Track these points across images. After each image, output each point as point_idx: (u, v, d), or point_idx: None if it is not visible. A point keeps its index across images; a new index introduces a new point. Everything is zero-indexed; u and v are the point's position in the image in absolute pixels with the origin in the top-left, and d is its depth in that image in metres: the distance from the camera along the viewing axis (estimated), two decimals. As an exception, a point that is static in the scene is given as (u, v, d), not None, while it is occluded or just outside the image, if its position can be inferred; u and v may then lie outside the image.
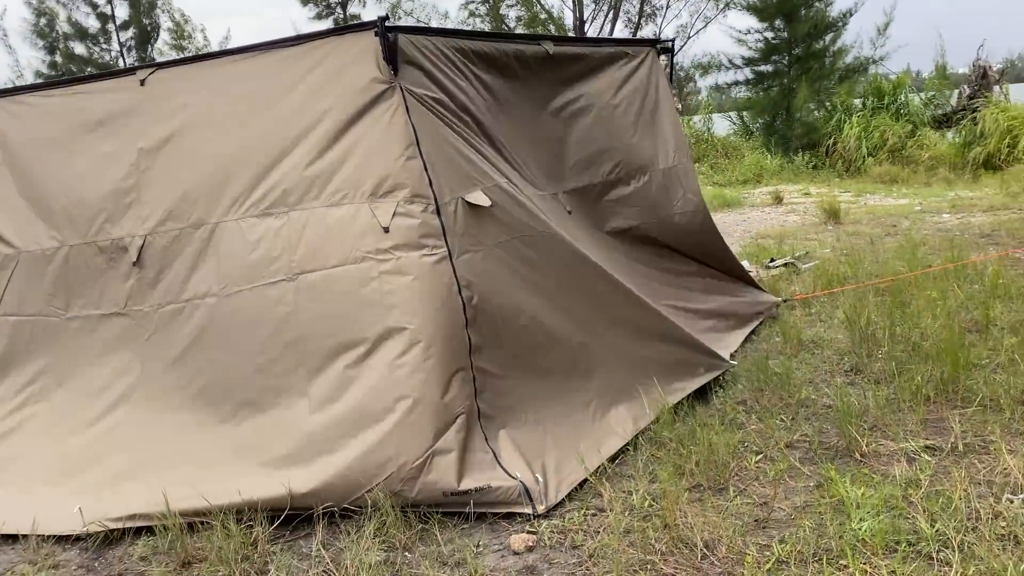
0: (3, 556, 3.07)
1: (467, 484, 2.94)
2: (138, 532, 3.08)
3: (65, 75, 21.11)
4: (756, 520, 2.83)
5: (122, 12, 24.96)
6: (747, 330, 4.77)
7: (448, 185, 3.24)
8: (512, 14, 24.12)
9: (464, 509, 2.94)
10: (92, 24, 26.58)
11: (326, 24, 24.00)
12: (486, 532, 2.92)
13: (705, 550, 2.63)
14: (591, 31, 23.00)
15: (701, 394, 3.97)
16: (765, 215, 10.61)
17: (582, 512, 2.98)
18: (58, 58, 23.83)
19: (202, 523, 2.96)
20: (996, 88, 15.48)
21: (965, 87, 16.39)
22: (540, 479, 3.01)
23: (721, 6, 21.99)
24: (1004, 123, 13.71)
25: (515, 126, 3.96)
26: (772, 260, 6.91)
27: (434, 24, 23.58)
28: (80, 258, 3.67)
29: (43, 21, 23.20)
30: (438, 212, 3.14)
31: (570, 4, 22.68)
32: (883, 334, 4.46)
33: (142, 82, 3.62)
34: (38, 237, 3.77)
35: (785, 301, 5.51)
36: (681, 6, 27.76)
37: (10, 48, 23.37)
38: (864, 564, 2.46)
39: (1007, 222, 8.18)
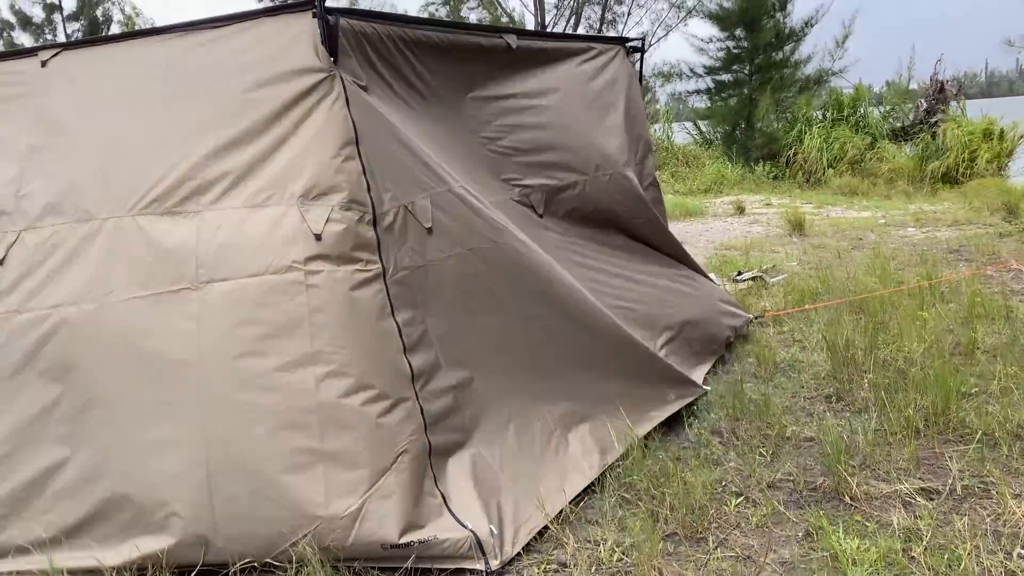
0: None
1: (410, 536, 2.52)
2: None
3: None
4: (741, 579, 2.48)
5: (70, 3, 24.07)
6: (719, 352, 4.44)
7: (390, 191, 2.83)
8: (473, 17, 23.73)
9: (405, 564, 2.53)
10: (37, 14, 25.58)
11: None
12: (431, 592, 2.52)
13: (685, 619, 2.26)
14: (552, 36, 22.65)
15: (672, 422, 3.62)
16: (728, 225, 10.37)
17: (542, 568, 2.59)
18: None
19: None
20: (953, 103, 15.54)
21: (922, 101, 16.44)
22: (495, 529, 2.61)
23: (683, 14, 21.87)
24: (963, 138, 13.75)
25: (470, 124, 3.58)
26: (740, 273, 6.62)
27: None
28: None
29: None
30: (374, 223, 2.73)
31: (531, 8, 22.37)
32: (864, 357, 4.16)
33: (43, 63, 3.15)
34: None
35: (757, 318, 5.20)
36: (642, 13, 27.61)
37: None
38: (869, 639, 2.12)
39: (973, 237, 8.02)
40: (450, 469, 2.77)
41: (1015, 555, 2.49)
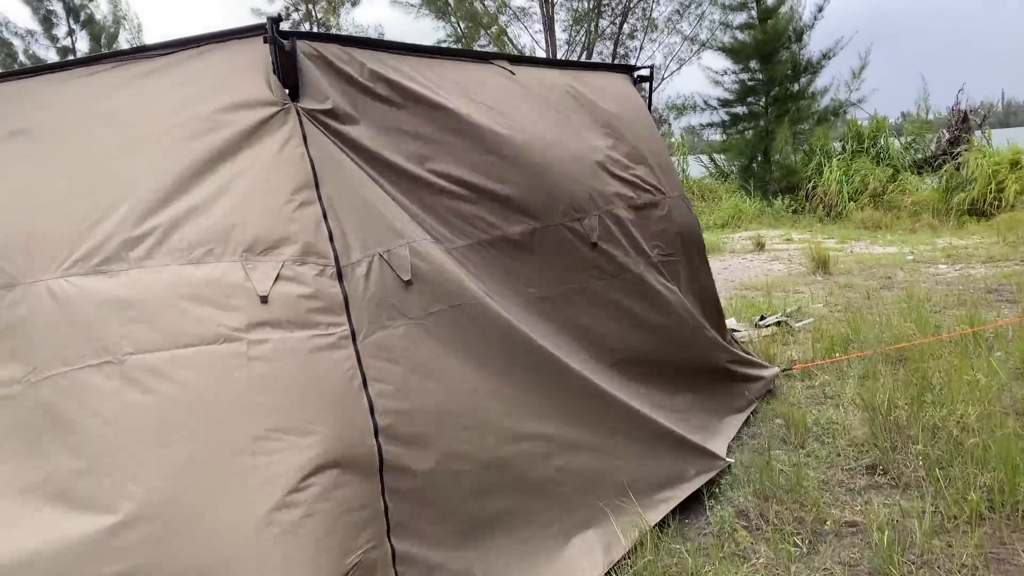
0: None
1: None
2: None
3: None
4: None
5: (83, 46, 24.22)
6: (745, 414, 3.95)
7: (360, 239, 2.40)
8: (484, 53, 23.59)
9: None
10: (52, 57, 25.80)
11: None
12: None
13: None
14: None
15: (691, 499, 3.13)
16: (747, 262, 9.90)
17: None
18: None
19: None
20: (978, 132, 15.06)
21: (944, 131, 15.97)
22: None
23: (696, 48, 21.60)
24: (989, 168, 13.23)
25: (461, 156, 3.15)
26: (763, 318, 6.14)
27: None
28: None
29: (1, 53, 22.36)
30: (339, 276, 2.30)
31: (543, 45, 22.19)
32: (908, 419, 3.66)
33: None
34: None
35: (784, 371, 4.71)
36: (655, 47, 27.38)
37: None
38: None
39: (1012, 275, 7.50)
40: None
41: None
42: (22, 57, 22.46)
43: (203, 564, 2.08)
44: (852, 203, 14.17)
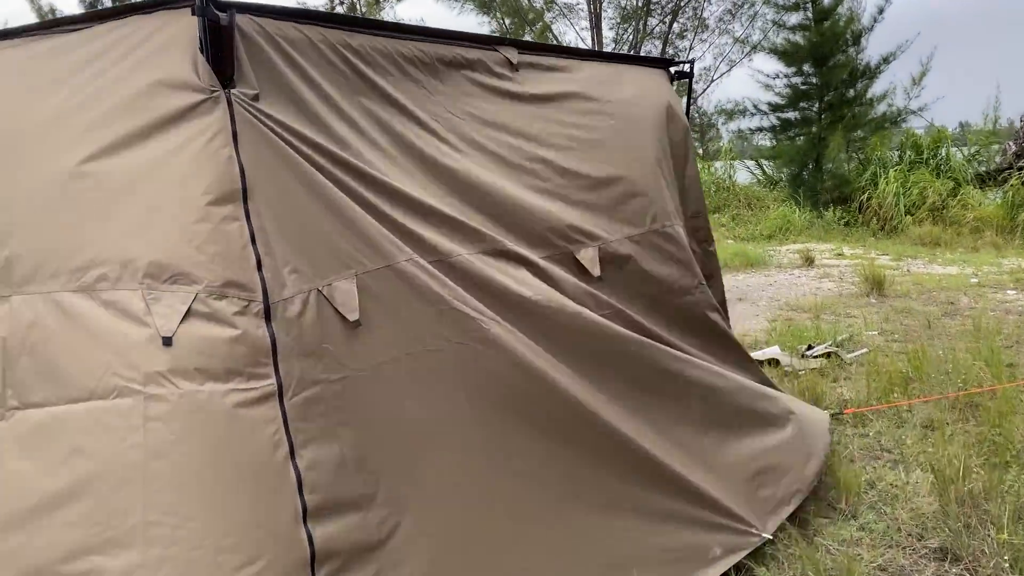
0: None
1: None
2: None
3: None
4: None
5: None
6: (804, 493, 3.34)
7: (298, 266, 1.90)
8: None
9: None
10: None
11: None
12: None
13: None
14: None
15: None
16: (795, 279, 9.22)
17: None
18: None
19: None
20: (1049, 145, 14.11)
21: (1011, 143, 15.02)
22: None
23: (747, 49, 20.80)
24: (1059, 184, 12.33)
25: (449, 162, 2.63)
26: (810, 347, 5.51)
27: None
28: None
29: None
30: (267, 315, 1.80)
31: (589, 42, 21.57)
32: (986, 492, 3.05)
33: None
34: None
35: (835, 416, 4.10)
36: (705, 48, 26.56)
37: None
38: None
39: (1093, 306, 6.75)
40: None
41: None
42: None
43: None
44: (909, 217, 13.33)
